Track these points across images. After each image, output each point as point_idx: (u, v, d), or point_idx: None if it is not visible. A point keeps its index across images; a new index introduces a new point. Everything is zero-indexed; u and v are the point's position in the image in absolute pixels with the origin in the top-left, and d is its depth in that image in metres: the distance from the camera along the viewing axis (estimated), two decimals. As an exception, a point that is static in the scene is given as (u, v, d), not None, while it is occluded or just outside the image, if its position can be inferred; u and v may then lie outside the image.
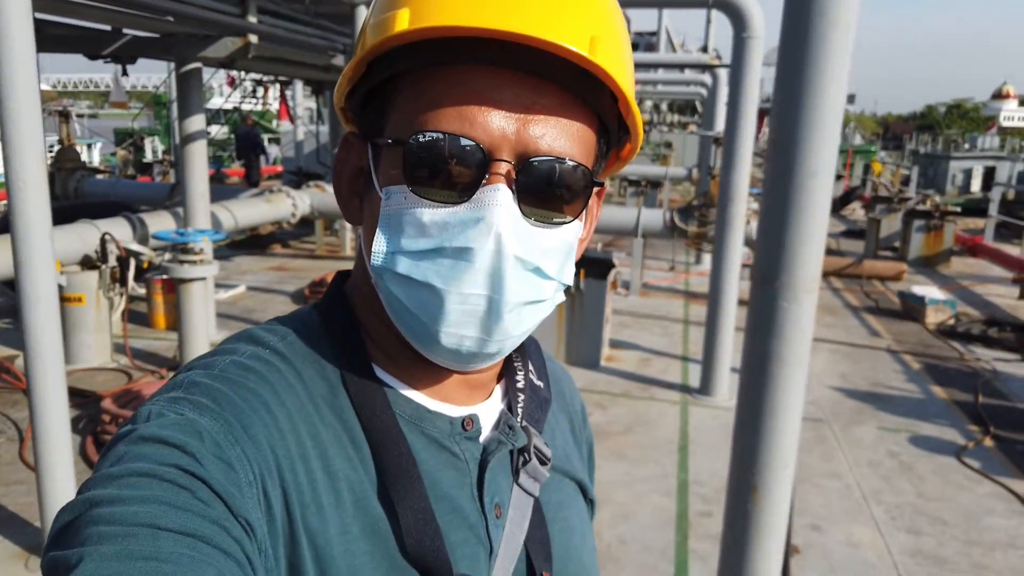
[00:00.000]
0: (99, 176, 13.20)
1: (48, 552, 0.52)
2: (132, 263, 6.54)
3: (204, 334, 6.10)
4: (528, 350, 0.85)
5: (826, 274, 11.60)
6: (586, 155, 0.67)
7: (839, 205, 20.61)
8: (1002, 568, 4.11)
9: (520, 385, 0.81)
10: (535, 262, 0.65)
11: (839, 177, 24.98)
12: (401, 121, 0.65)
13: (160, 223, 7.25)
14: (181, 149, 6.81)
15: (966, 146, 35.76)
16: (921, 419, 6.08)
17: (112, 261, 6.37)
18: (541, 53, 0.61)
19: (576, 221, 0.69)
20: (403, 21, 0.62)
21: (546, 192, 0.65)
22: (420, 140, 0.63)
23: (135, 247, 6.60)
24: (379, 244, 0.66)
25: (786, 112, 2.62)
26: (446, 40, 0.62)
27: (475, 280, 0.63)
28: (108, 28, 6.49)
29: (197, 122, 6.77)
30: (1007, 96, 66.49)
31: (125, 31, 6.44)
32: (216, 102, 19.92)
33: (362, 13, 5.91)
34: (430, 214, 0.63)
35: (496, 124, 0.62)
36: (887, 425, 5.94)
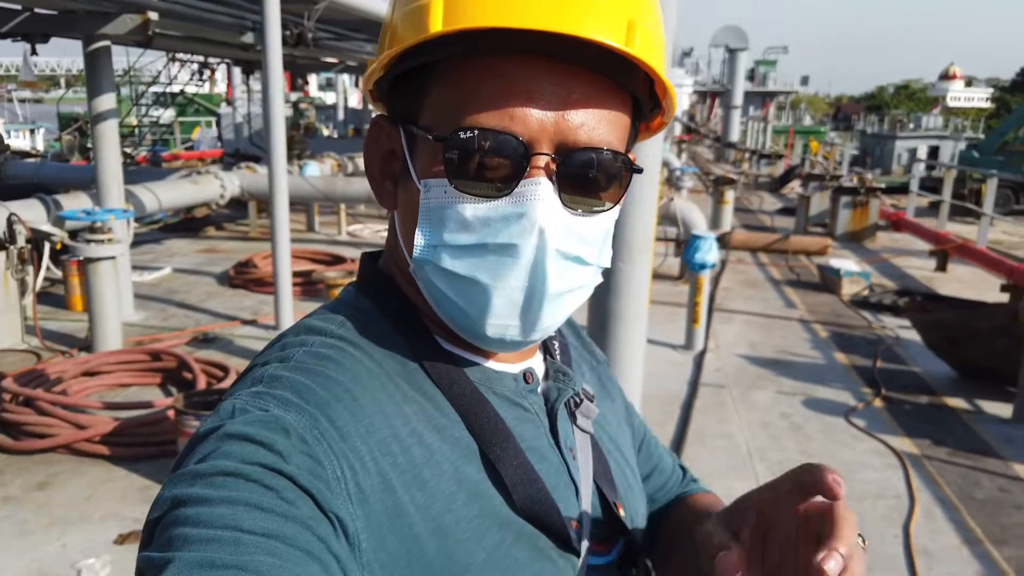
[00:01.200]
0: (28, 160, 12.95)
1: (141, 551, 0.53)
2: (47, 245, 6.50)
3: (116, 315, 6.11)
4: None
5: (754, 249, 11.90)
6: (621, 139, 0.68)
7: (779, 184, 21.03)
8: (870, 515, 4.35)
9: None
10: (575, 252, 0.66)
11: (780, 157, 25.39)
12: (438, 112, 0.66)
13: (75, 204, 7.19)
14: (92, 129, 6.75)
15: (911, 126, 36.53)
16: (819, 383, 6.34)
17: (21, 242, 6.32)
18: (578, 41, 0.61)
19: (616, 207, 0.69)
20: (436, 19, 0.62)
21: (586, 182, 0.65)
22: (461, 137, 0.63)
23: (47, 228, 6.55)
24: (420, 237, 0.66)
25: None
26: (485, 31, 0.61)
27: (519, 275, 0.64)
28: (17, 7, 6.41)
29: (107, 101, 6.72)
30: (953, 77, 67.86)
31: (28, 8, 6.35)
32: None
33: (270, -9, 5.93)
34: (472, 209, 0.64)
35: (535, 117, 0.62)
36: (785, 389, 6.18)
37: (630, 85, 0.66)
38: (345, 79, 29.55)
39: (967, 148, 26.33)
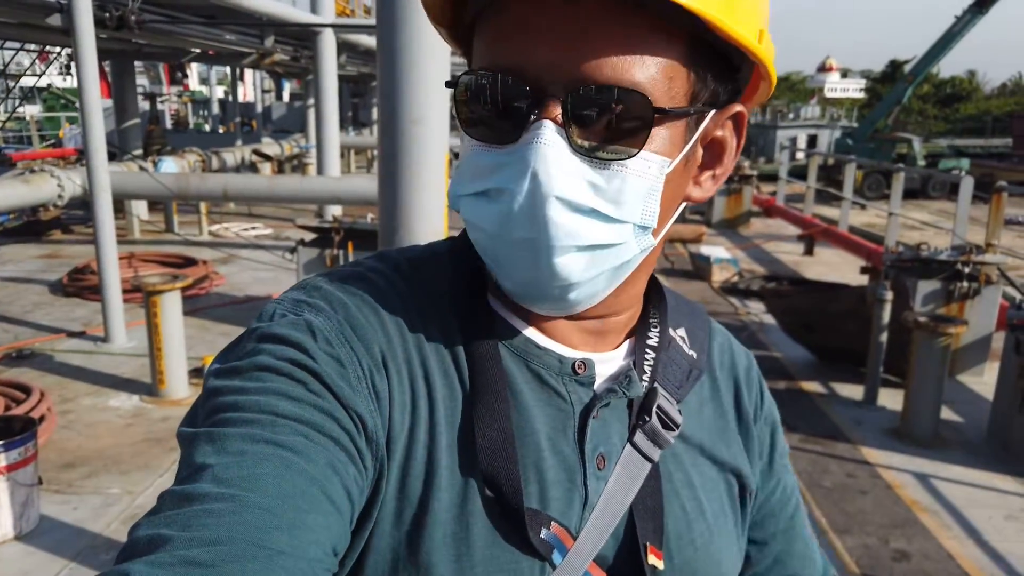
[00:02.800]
0: None
1: (182, 426, 0.57)
2: None
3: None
4: (683, 312, 0.81)
5: (632, 239, 11.92)
6: (666, 80, 0.60)
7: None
8: (714, 512, 4.23)
9: (652, 343, 0.76)
10: (588, 203, 0.60)
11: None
12: (475, 58, 0.64)
13: None
14: None
15: (791, 116, 38.14)
16: (681, 373, 6.26)
17: None
18: None
19: (646, 154, 0.61)
20: None
21: (598, 125, 0.59)
22: (463, 81, 0.62)
23: None
24: (452, 186, 0.66)
25: (387, 58, 2.43)
26: None
27: (516, 223, 0.60)
28: None
29: None
30: (830, 69, 71.52)
31: None
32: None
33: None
34: (482, 155, 0.62)
35: (543, 55, 0.58)
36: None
37: (672, 19, 0.58)
38: (227, 70, 28.26)
39: (842, 136, 27.62)
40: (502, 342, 0.68)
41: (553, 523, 0.65)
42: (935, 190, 22.36)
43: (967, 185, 7.71)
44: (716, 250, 9.98)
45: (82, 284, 7.89)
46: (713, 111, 0.65)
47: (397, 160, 2.48)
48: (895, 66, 53.20)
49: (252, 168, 13.94)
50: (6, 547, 3.62)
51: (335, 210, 8.62)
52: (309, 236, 6.82)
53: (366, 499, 0.60)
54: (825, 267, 10.43)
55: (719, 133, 0.68)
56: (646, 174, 0.62)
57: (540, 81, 0.59)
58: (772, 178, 17.78)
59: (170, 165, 11.21)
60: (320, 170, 10.98)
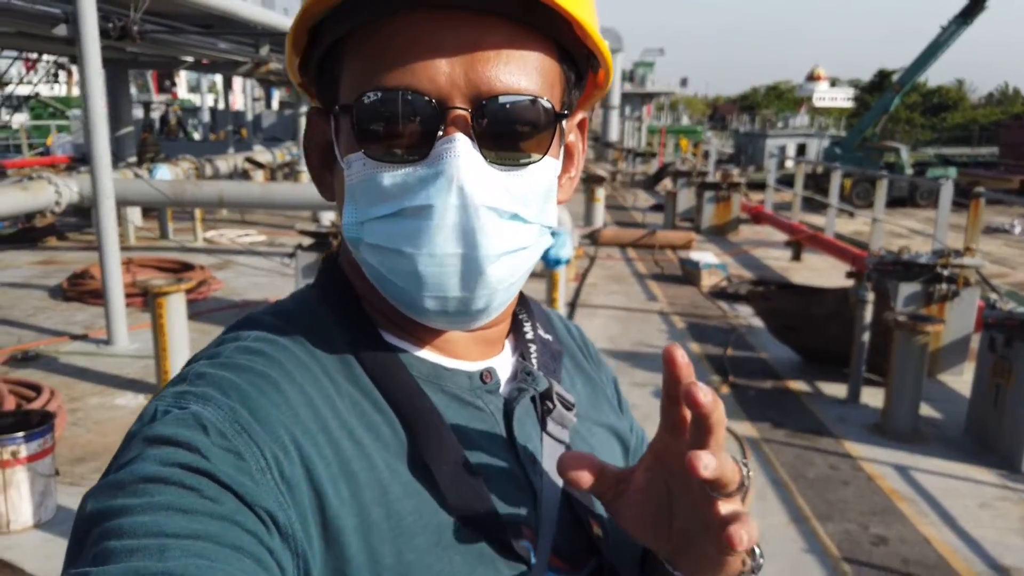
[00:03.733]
0: None
1: (66, 568, 0.51)
2: None
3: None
4: (530, 307, 0.82)
5: (623, 245, 12.09)
6: (549, 86, 0.64)
7: (654, 181, 21.59)
8: (702, 503, 4.39)
9: (529, 336, 0.78)
10: (511, 209, 0.62)
11: (654, 155, 26.15)
12: (350, 85, 0.63)
13: None
14: None
15: (780, 125, 38.52)
16: (670, 373, 6.42)
17: None
18: None
19: (548, 158, 0.64)
20: None
21: (507, 133, 0.61)
22: (365, 101, 0.60)
23: None
24: (348, 215, 0.64)
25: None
26: None
27: (444, 238, 0.60)
28: None
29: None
30: (818, 78, 71.90)
31: None
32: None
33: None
34: (390, 176, 0.61)
35: (442, 71, 0.59)
36: (638, 381, 6.23)
37: (549, 30, 0.62)
38: (217, 79, 28.37)
39: (831, 145, 27.92)
40: (414, 374, 0.67)
41: (524, 528, 0.66)
42: (923, 198, 22.65)
43: (947, 191, 7.93)
44: (705, 255, 10.17)
45: (82, 288, 8.01)
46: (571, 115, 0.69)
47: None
48: (883, 75, 53.78)
49: (244, 175, 14.08)
50: (26, 535, 3.77)
51: (331, 216, 8.77)
52: (307, 241, 6.97)
53: None
54: (812, 272, 10.63)
55: (571, 138, 0.72)
56: (547, 176, 0.65)
57: (443, 96, 0.59)
58: (761, 186, 18.03)
59: (164, 172, 11.35)
60: (315, 177, 11.13)
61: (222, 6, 8.66)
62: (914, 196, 23.12)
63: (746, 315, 8.27)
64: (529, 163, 0.63)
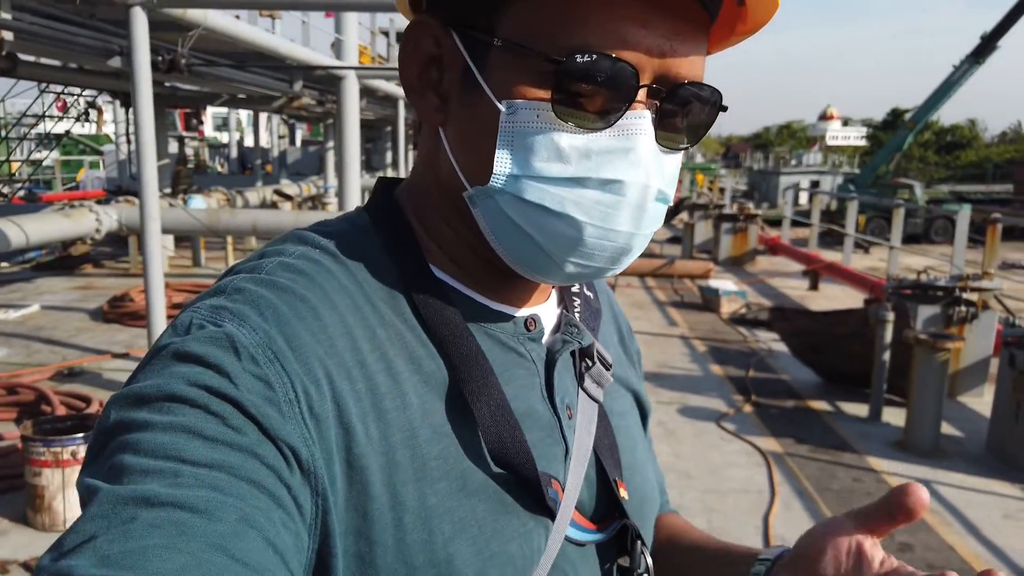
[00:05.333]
0: None
1: (80, 473, 0.51)
2: None
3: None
4: None
5: (642, 275, 12.29)
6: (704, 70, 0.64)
7: (670, 216, 21.84)
8: (730, 510, 4.52)
9: (575, 289, 0.78)
10: (666, 191, 0.62)
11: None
12: (532, 25, 0.58)
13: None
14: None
15: (793, 162, 38.77)
16: (694, 393, 6.58)
17: None
18: None
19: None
20: None
21: (682, 119, 0.61)
22: (578, 61, 0.56)
23: None
24: (502, 165, 0.59)
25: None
26: None
27: (623, 216, 0.59)
28: None
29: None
30: (831, 118, 72.32)
31: None
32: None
33: (138, 15, 5.84)
34: (569, 139, 0.58)
35: (645, 45, 0.57)
36: (663, 399, 6.38)
37: (716, 14, 0.63)
38: (242, 117, 29.09)
39: (844, 182, 28.13)
40: (459, 311, 0.65)
41: (553, 480, 0.65)
42: (937, 235, 22.72)
43: (963, 218, 8.11)
44: (724, 283, 10.35)
45: (122, 311, 8.28)
46: None
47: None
48: (896, 114, 54.09)
49: (273, 207, 14.45)
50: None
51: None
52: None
53: (317, 538, 0.54)
54: (829, 301, 10.76)
55: None
56: (681, 159, 0.66)
57: (643, 70, 0.58)
58: (775, 222, 18.24)
59: (199, 202, 11.71)
60: (342, 207, 11.46)
61: (263, 43, 9.04)
62: (928, 232, 23.20)
63: (766, 340, 8.42)
64: (683, 148, 0.64)
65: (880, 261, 16.05)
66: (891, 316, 5.82)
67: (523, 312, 0.70)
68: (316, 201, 16.38)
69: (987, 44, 20.24)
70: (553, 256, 0.61)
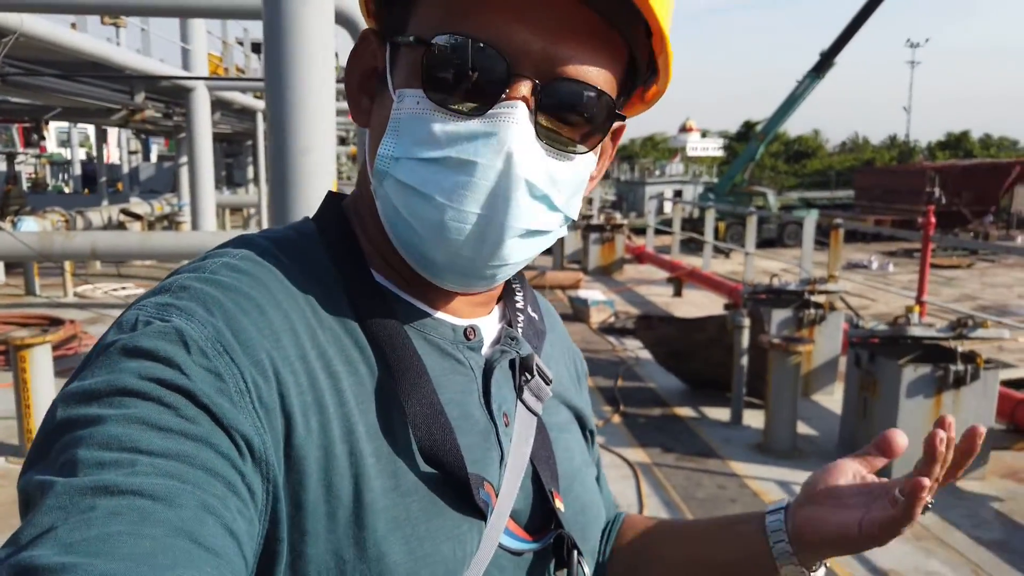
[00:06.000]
0: None
1: (24, 473, 0.50)
2: None
3: None
4: (525, 282, 0.83)
5: (513, 287, 12.28)
6: (610, 87, 0.64)
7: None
8: (599, 528, 4.45)
9: (519, 306, 0.79)
10: (545, 190, 0.62)
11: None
12: (425, 20, 0.62)
13: None
14: None
15: (657, 173, 40.37)
16: (564, 406, 6.53)
17: None
18: None
19: (591, 154, 0.66)
20: None
21: (567, 118, 0.62)
22: (441, 43, 0.60)
23: None
24: (386, 147, 0.63)
25: (276, 93, 2.60)
26: None
27: (477, 198, 0.60)
28: None
29: None
30: (690, 130, 75.92)
31: None
32: None
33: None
34: (442, 122, 0.60)
35: (524, 39, 0.59)
36: (532, 415, 6.29)
37: (628, 33, 0.63)
38: (90, 131, 27.12)
39: (704, 191, 29.50)
40: (398, 317, 0.67)
41: (485, 482, 0.66)
42: (790, 239, 24.15)
43: (810, 223, 8.55)
44: (593, 293, 10.46)
45: None
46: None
47: (287, 189, 2.63)
48: (749, 126, 57.46)
49: (120, 228, 13.47)
50: None
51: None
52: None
53: (266, 524, 0.55)
54: (693, 307, 11.10)
55: (604, 140, 0.72)
56: (584, 170, 0.66)
57: (518, 60, 0.59)
58: (643, 231, 18.82)
59: (31, 225, 10.70)
60: (195, 226, 10.78)
61: (94, 51, 8.37)
62: (782, 237, 24.63)
63: (634, 348, 8.53)
64: (576, 154, 0.64)
65: (740, 265, 16.84)
66: (747, 322, 5.97)
67: (464, 322, 0.72)
68: (169, 220, 15.45)
69: (825, 61, 21.74)
70: (424, 239, 0.62)
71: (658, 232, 17.04)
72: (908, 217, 28.32)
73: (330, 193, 0.76)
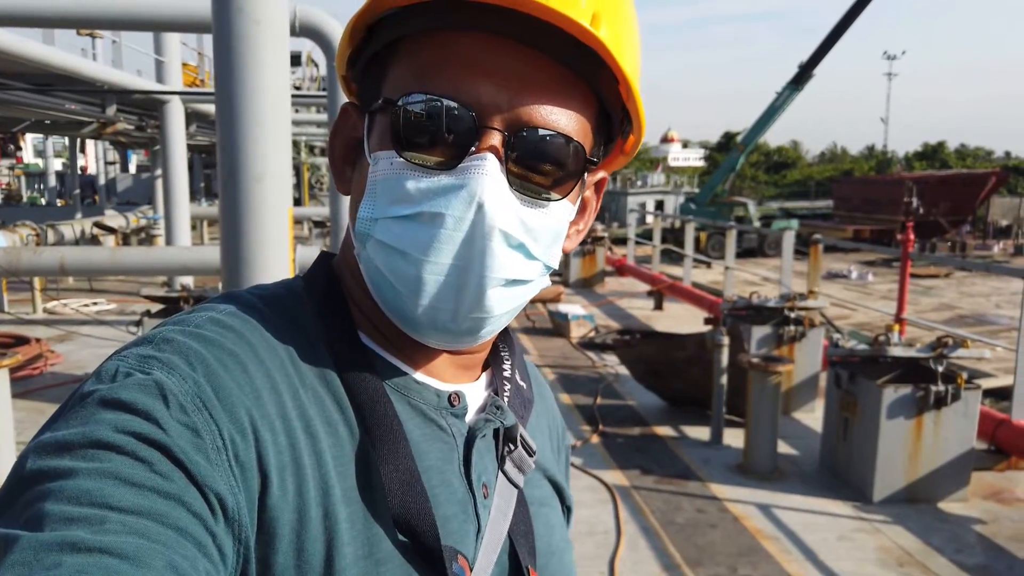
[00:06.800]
0: None
1: None
2: None
3: None
4: (514, 348, 0.82)
5: (493, 301, 12.17)
6: (582, 135, 0.65)
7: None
8: (579, 554, 4.30)
9: (507, 374, 0.78)
10: (520, 239, 0.62)
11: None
12: (394, 86, 0.64)
13: None
14: None
15: (639, 183, 40.54)
16: (542, 426, 6.41)
17: None
18: (540, 24, 0.60)
19: (566, 202, 0.66)
20: None
21: (537, 166, 0.63)
22: (409, 101, 0.62)
23: None
24: (364, 210, 0.64)
25: (226, 115, 2.47)
26: (446, 5, 0.61)
27: (451, 250, 0.60)
28: None
29: None
30: (671, 140, 76.45)
31: None
32: None
33: None
34: (415, 181, 0.61)
35: (488, 92, 0.61)
36: (510, 436, 6.16)
37: (594, 82, 0.64)
38: (66, 143, 26.77)
39: (686, 201, 29.59)
40: (383, 379, 0.67)
41: (459, 555, 0.65)
42: (770, 248, 24.25)
43: (789, 239, 8.50)
44: (573, 308, 10.36)
45: None
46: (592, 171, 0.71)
47: (239, 217, 2.50)
48: (729, 137, 57.86)
49: (94, 241, 13.22)
50: None
51: (186, 281, 8.32)
52: (156, 307, 6.55)
53: None
54: (673, 320, 11.03)
55: (587, 193, 0.74)
56: (561, 218, 0.66)
57: (484, 114, 0.61)
58: (625, 242, 18.85)
59: (-1, 239, 10.47)
60: (169, 241, 10.60)
61: (64, 64, 8.20)
62: (763, 247, 24.74)
63: (614, 364, 8.43)
64: (549, 201, 0.64)
65: (721, 275, 16.82)
66: (726, 340, 5.89)
67: (449, 387, 0.71)
68: (145, 232, 15.21)
69: (804, 72, 21.89)
70: (405, 296, 0.63)
71: (639, 243, 17.00)
72: (886, 227, 28.57)
73: (322, 252, 0.77)
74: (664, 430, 6.42)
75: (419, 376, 0.70)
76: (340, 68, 0.73)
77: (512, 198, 0.62)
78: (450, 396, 0.71)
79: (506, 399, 0.76)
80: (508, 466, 0.72)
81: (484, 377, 0.77)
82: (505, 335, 0.80)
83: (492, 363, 0.79)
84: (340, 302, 0.70)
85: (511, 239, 0.62)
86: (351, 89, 0.73)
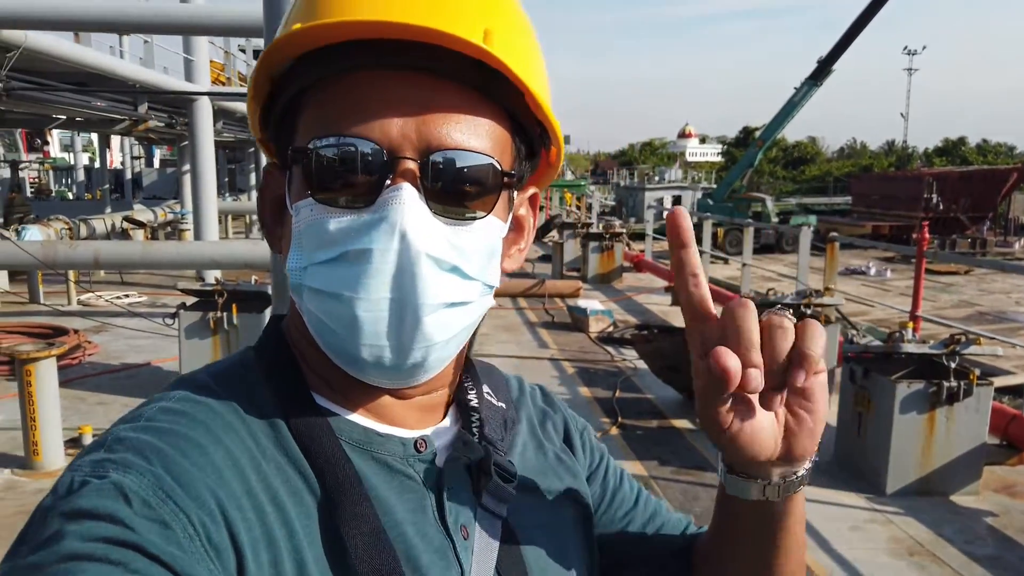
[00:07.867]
0: None
1: None
2: None
3: None
4: (481, 371, 0.81)
5: (513, 295, 12.33)
6: (498, 151, 0.65)
7: (541, 233, 22.18)
8: (597, 542, 4.52)
9: (473, 404, 0.76)
10: (451, 261, 0.62)
11: (540, 208, 26.91)
12: (304, 133, 0.64)
13: None
14: None
15: (656, 179, 40.47)
16: (563, 418, 6.59)
17: None
18: (435, 50, 0.60)
19: (492, 218, 0.66)
20: (286, 42, 0.62)
21: (455, 187, 0.63)
22: (318, 145, 0.62)
23: None
24: (292, 260, 0.64)
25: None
26: (341, 48, 0.61)
27: (382, 283, 0.60)
28: None
29: None
30: (689, 135, 75.93)
31: None
32: None
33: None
34: (335, 222, 0.61)
35: (395, 124, 0.61)
36: (532, 428, 6.35)
37: (500, 98, 0.65)
38: (93, 137, 27.23)
39: (703, 197, 29.56)
40: (341, 438, 0.66)
41: None
42: (788, 244, 24.22)
43: (806, 237, 8.61)
44: (592, 303, 10.52)
45: None
46: (521, 188, 0.72)
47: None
48: (747, 132, 57.63)
49: (124, 236, 13.54)
50: None
51: (216, 274, 8.56)
52: (191, 300, 6.79)
53: None
54: (691, 316, 11.16)
55: (521, 211, 0.74)
56: (491, 235, 0.66)
57: (394, 147, 0.61)
58: (642, 237, 18.95)
59: (35, 233, 10.80)
60: (197, 235, 10.86)
61: (98, 64, 8.45)
62: (780, 243, 24.73)
63: (632, 358, 8.58)
64: (474, 219, 0.65)
65: (738, 271, 16.89)
66: (744, 336, 6.03)
67: (414, 433, 0.70)
68: (172, 227, 15.53)
69: (823, 68, 21.83)
70: (346, 339, 0.62)
71: (656, 239, 17.11)
72: (905, 224, 28.43)
73: (272, 316, 0.77)
74: (682, 423, 6.58)
75: (382, 428, 0.69)
76: (255, 132, 0.73)
77: (436, 222, 0.62)
78: (416, 442, 0.69)
79: (475, 430, 0.74)
80: (486, 499, 0.71)
81: (451, 414, 0.76)
82: (467, 365, 0.79)
83: (458, 397, 0.77)
84: (291, 366, 0.69)
85: (442, 263, 0.62)
86: (270, 150, 0.73)
